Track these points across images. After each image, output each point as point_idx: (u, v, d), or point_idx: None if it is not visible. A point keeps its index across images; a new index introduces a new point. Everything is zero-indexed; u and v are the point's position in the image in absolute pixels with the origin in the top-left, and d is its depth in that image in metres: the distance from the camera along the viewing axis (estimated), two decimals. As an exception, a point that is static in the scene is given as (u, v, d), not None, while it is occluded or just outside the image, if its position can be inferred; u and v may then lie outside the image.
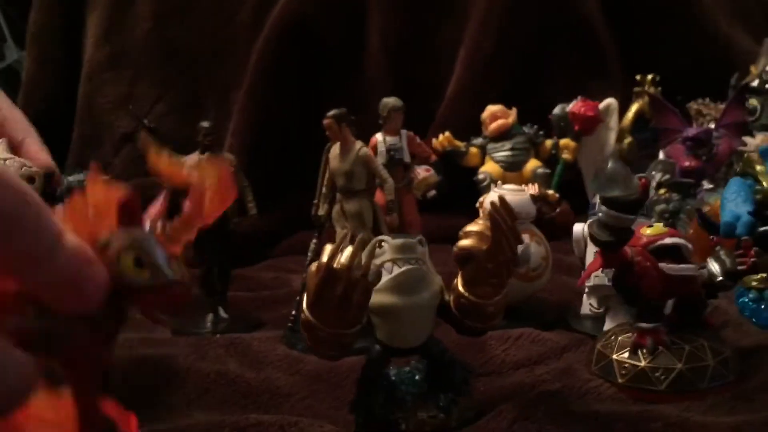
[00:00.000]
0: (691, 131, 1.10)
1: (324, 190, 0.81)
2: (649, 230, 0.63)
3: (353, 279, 0.52)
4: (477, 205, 1.12)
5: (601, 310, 0.77)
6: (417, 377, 0.61)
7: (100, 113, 1.38)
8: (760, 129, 1.20)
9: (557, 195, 1.15)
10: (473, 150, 1.21)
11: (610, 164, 0.58)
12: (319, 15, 1.29)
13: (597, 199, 0.77)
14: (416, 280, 0.57)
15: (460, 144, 1.21)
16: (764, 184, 0.72)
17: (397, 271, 0.56)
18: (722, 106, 1.31)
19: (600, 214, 0.59)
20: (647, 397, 0.59)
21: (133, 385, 0.65)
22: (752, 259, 0.62)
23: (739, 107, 1.15)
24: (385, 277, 0.56)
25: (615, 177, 0.59)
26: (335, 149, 0.79)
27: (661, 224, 0.66)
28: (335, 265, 0.52)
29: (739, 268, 0.62)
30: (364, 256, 0.52)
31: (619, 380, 0.61)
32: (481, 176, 1.17)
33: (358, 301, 0.53)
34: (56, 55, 1.46)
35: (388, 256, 0.57)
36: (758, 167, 0.73)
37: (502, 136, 1.19)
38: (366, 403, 0.58)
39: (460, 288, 0.58)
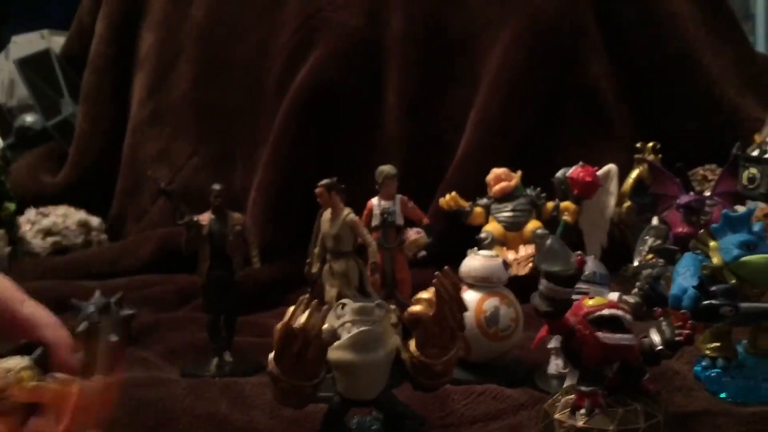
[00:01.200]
0: (685, 199, 1.15)
1: (316, 250, 0.90)
2: (591, 301, 0.69)
3: (308, 338, 0.60)
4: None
5: (566, 371, 0.83)
6: (374, 426, 0.68)
7: (141, 166, 1.51)
8: (759, 198, 1.24)
9: (555, 255, 1.21)
10: (477, 210, 1.28)
11: (549, 241, 0.65)
12: (339, 80, 1.40)
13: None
14: (372, 339, 0.64)
15: (465, 204, 1.28)
16: (714, 260, 0.77)
17: (354, 331, 0.64)
18: (727, 173, 1.35)
19: (541, 287, 0.66)
20: (582, 455, 0.65)
21: (132, 422, 0.75)
22: (687, 332, 0.67)
23: (732, 177, 1.20)
24: (345, 336, 0.64)
25: (555, 253, 0.65)
26: (326, 214, 0.88)
27: (606, 296, 0.72)
28: (294, 325, 0.61)
29: (677, 339, 0.68)
30: (318, 318, 0.61)
31: (558, 438, 0.67)
32: (483, 235, 1.24)
33: (314, 357, 0.61)
34: (105, 113, 1.61)
35: (349, 318, 0.65)
36: (711, 243, 0.79)
37: (505, 197, 1.26)
38: (327, 447, 0.66)
39: (412, 348, 0.66)
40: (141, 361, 0.97)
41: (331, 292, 0.88)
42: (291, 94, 1.40)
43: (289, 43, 1.47)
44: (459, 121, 1.40)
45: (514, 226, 1.24)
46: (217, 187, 0.94)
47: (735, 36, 1.54)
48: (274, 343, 0.62)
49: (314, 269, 0.90)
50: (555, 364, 0.84)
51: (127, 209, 1.54)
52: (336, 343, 0.63)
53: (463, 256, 0.91)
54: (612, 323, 0.68)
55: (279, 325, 0.62)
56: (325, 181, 0.87)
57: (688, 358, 0.83)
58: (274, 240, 1.33)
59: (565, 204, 1.26)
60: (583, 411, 0.67)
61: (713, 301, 0.72)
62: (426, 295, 0.66)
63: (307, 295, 0.62)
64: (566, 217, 1.26)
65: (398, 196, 0.99)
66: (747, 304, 0.73)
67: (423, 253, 1.00)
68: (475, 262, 0.86)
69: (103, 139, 1.61)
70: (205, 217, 0.93)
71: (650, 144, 1.32)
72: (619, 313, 0.68)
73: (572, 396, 0.69)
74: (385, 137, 1.41)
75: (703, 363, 0.80)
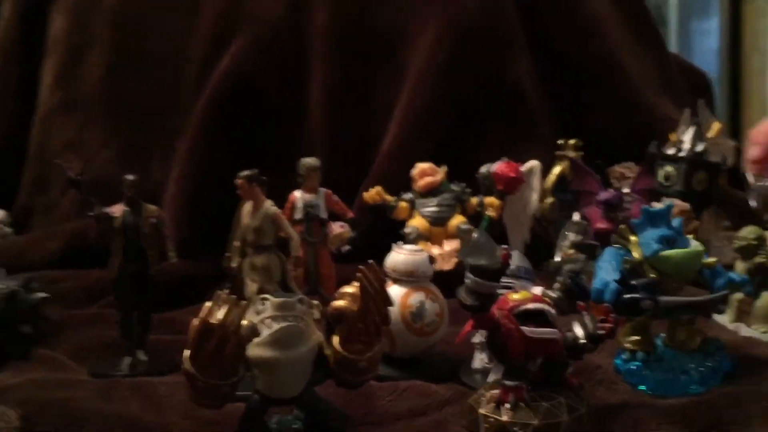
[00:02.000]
0: (604, 195, 1.17)
1: (236, 243, 0.87)
2: (516, 295, 0.68)
3: (226, 334, 0.57)
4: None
5: (490, 365, 0.82)
6: (295, 425, 0.66)
7: (51, 156, 1.42)
8: (675, 195, 1.27)
9: (479, 250, 1.21)
10: (402, 204, 1.27)
11: (475, 235, 0.64)
12: (261, 72, 1.36)
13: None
14: (293, 336, 0.62)
15: (391, 198, 1.27)
16: (634, 255, 0.78)
17: (275, 327, 0.61)
18: (644, 171, 1.38)
19: (467, 281, 0.65)
20: (506, 450, 0.65)
21: (37, 424, 0.70)
22: (609, 325, 0.68)
23: (649, 174, 1.23)
24: (265, 333, 0.61)
25: (481, 247, 0.65)
26: (247, 206, 0.85)
27: (530, 290, 0.72)
28: (211, 321, 0.57)
29: (599, 332, 0.68)
30: (237, 314, 0.58)
31: (483, 433, 0.66)
32: (408, 230, 1.23)
33: (232, 354, 0.58)
34: (11, 100, 1.52)
35: (269, 313, 0.62)
36: (632, 238, 0.80)
37: (430, 192, 1.26)
38: (244, 449, 0.63)
39: (336, 344, 0.63)
40: (48, 360, 0.91)
41: (251, 287, 0.84)
42: (211, 85, 1.35)
43: (209, 33, 1.42)
44: (384, 115, 1.39)
45: (438, 221, 1.24)
46: (130, 177, 0.90)
47: (653, 39, 1.59)
48: (189, 340, 0.59)
49: (234, 263, 0.87)
50: (479, 359, 0.84)
51: (35, 201, 1.46)
52: (256, 340, 0.61)
53: (388, 251, 0.89)
54: (537, 317, 0.68)
55: (195, 321, 0.59)
56: (245, 173, 0.84)
57: (608, 352, 0.84)
58: (191, 234, 1.28)
59: (490, 199, 1.27)
60: (507, 405, 0.66)
61: (634, 295, 0.73)
62: (350, 289, 0.64)
63: (225, 290, 0.59)
64: (490, 213, 1.26)
65: (322, 190, 0.96)
66: (666, 297, 0.74)
67: (347, 247, 0.98)
68: (400, 256, 0.84)
69: (8, 127, 1.52)
70: (118, 209, 0.89)
71: (572, 141, 1.34)
72: (544, 307, 0.68)
73: (497, 391, 0.69)
74: (309, 131, 1.38)
75: (624, 356, 0.80)
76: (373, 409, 0.74)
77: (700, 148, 1.27)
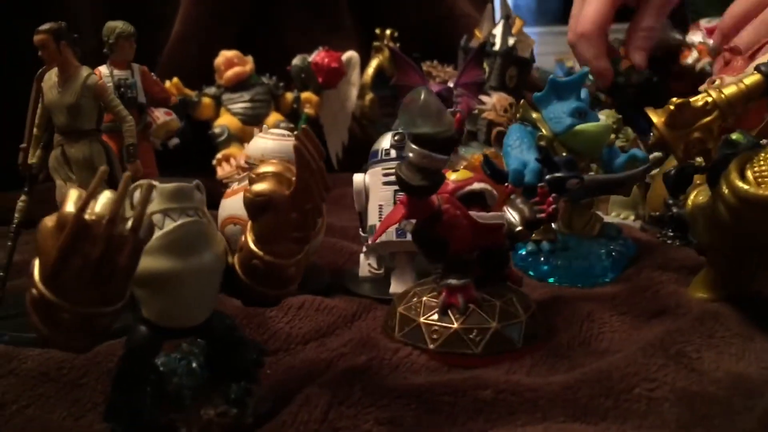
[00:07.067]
0: (435, 88, 1.08)
1: (36, 130, 0.61)
2: (455, 174, 0.56)
3: (118, 236, 0.37)
4: (214, 162, 0.98)
5: (381, 271, 0.69)
6: (194, 364, 0.47)
7: None
8: (490, 89, 1.23)
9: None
10: (206, 100, 1.06)
11: (422, 96, 0.49)
12: None
13: (379, 146, 0.69)
14: (196, 236, 0.42)
15: (192, 93, 1.06)
16: (543, 130, 0.70)
17: (170, 225, 0.41)
18: (449, 68, 1.32)
19: (410, 155, 0.50)
20: (464, 362, 0.52)
21: None
22: (552, 206, 0.58)
23: (476, 67, 1.15)
24: (155, 234, 0.41)
25: (427, 111, 0.50)
26: (51, 76, 0.60)
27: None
28: (89, 218, 0.36)
29: (539, 216, 0.58)
30: (137, 203, 0.37)
31: (431, 346, 0.53)
32: (217, 130, 1.04)
33: (125, 267, 0.38)
34: None
35: (157, 206, 0.41)
36: (534, 114, 0.71)
37: (239, 85, 1.07)
38: (129, 407, 0.42)
39: (252, 246, 0.45)
40: None
41: (65, 189, 0.60)
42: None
43: None
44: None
45: (252, 119, 1.06)
46: None
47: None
48: (46, 250, 0.36)
49: (33, 159, 0.61)
50: (368, 265, 0.70)
51: None
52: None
53: (200, 157, 0.70)
54: (477, 200, 0.56)
55: (51, 222, 0.36)
56: (48, 25, 0.59)
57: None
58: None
59: (307, 95, 1.12)
60: (456, 310, 0.54)
61: (560, 174, 0.63)
62: (271, 168, 0.46)
63: (104, 167, 0.38)
64: (308, 110, 1.12)
65: (136, 65, 0.73)
66: (589, 175, 0.66)
67: (176, 140, 0.77)
68: (268, 143, 0.66)
69: None
70: None
71: (388, 31, 1.23)
72: (488, 187, 0.56)
73: (434, 294, 0.56)
74: (77, 8, 1.08)
75: (528, 248, 0.72)
76: (273, 334, 0.57)
77: (511, 42, 1.24)
